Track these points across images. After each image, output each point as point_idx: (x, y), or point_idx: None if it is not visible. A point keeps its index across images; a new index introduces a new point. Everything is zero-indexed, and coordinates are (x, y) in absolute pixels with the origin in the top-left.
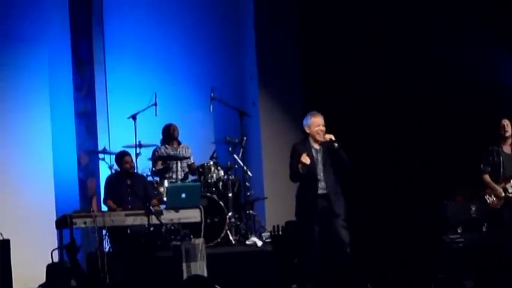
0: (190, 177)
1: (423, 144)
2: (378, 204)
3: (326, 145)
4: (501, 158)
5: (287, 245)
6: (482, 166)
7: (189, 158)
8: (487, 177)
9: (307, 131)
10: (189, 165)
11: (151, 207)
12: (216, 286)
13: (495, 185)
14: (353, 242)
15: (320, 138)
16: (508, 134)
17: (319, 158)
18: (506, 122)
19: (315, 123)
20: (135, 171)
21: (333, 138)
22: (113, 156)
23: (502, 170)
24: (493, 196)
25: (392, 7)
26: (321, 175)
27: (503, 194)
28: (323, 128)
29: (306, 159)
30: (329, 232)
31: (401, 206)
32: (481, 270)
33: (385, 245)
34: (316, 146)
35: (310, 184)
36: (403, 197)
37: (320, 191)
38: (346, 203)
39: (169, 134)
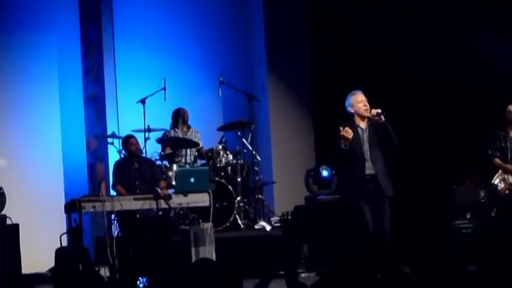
0: (199, 162)
1: (431, 130)
2: None
3: (373, 123)
4: (508, 143)
5: (296, 229)
6: (490, 151)
7: (198, 144)
8: (498, 160)
9: (352, 110)
10: (198, 150)
11: (159, 191)
12: None
13: (508, 167)
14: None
15: (367, 113)
16: None
17: (366, 137)
18: None
19: (357, 99)
20: (144, 155)
21: (380, 111)
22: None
23: (509, 155)
24: (502, 181)
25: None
26: (367, 155)
27: None
28: (367, 103)
29: (348, 132)
30: (376, 214)
31: (410, 192)
32: (488, 255)
33: (392, 231)
34: (362, 125)
35: (357, 164)
36: (411, 182)
37: (367, 171)
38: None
39: (179, 118)
